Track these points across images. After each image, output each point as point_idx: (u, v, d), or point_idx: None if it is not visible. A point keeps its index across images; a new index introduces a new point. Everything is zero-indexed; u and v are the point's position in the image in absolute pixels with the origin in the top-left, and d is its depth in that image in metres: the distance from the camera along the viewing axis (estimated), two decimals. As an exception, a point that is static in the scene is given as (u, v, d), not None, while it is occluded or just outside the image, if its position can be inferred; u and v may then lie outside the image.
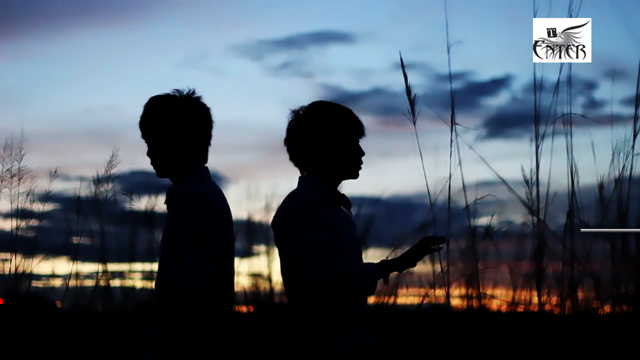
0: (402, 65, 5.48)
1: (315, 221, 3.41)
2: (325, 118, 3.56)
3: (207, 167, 3.71)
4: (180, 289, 3.40)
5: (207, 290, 3.44)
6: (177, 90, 3.69)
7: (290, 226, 3.44)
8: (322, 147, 3.54)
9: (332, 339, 3.40)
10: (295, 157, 3.62)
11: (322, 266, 3.37)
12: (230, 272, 3.67)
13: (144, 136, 3.70)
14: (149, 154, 3.70)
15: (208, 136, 3.71)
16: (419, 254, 3.44)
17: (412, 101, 5.52)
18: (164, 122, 3.63)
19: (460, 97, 5.82)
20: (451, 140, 5.68)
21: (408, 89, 5.51)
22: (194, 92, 3.70)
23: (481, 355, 5.57)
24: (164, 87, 3.71)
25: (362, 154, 3.60)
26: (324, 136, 3.54)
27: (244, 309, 6.94)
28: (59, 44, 10.28)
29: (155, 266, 7.00)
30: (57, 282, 7.28)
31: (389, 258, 3.48)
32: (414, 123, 5.52)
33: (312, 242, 3.39)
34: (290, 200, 3.53)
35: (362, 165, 3.62)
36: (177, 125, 3.63)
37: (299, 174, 3.61)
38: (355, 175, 3.62)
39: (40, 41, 10.30)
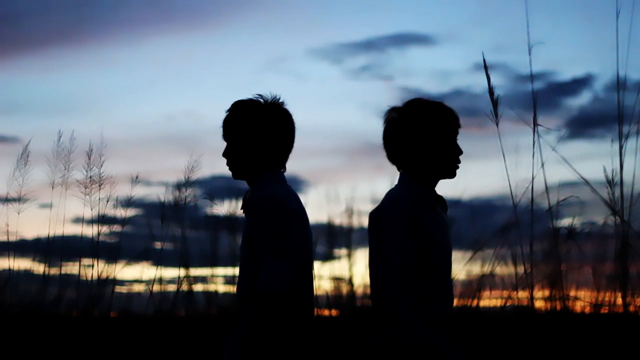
0: (485, 67, 5.58)
1: (400, 230, 3.47)
2: (423, 116, 3.61)
3: (282, 172, 3.81)
4: (260, 294, 3.50)
5: (288, 294, 3.52)
6: (263, 96, 3.81)
7: (376, 228, 3.53)
8: (419, 146, 3.60)
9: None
10: (393, 156, 3.69)
11: (395, 280, 3.43)
12: (310, 276, 3.75)
13: (225, 136, 3.82)
14: (225, 154, 3.82)
15: (289, 146, 3.82)
16: None
17: (494, 102, 5.61)
18: (248, 126, 3.75)
19: (541, 98, 5.91)
20: (533, 142, 5.78)
21: (491, 91, 5.60)
22: (281, 101, 3.82)
23: (565, 357, 5.63)
24: (244, 92, 3.85)
25: (460, 152, 3.66)
26: (422, 135, 3.60)
27: (326, 312, 6.98)
28: (139, 50, 10.52)
29: (237, 270, 7.15)
30: (140, 288, 7.43)
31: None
32: (497, 124, 5.62)
33: (391, 253, 3.46)
34: (385, 200, 3.60)
35: (459, 165, 3.67)
36: (261, 131, 3.74)
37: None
38: (452, 174, 3.68)
39: (120, 48, 10.55)
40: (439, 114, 3.65)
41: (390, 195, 3.62)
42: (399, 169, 3.70)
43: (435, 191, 3.68)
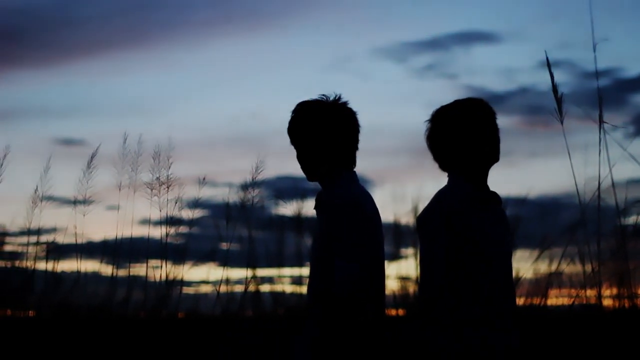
0: (548, 64, 5.64)
1: (435, 233, 3.54)
2: (449, 117, 3.73)
3: (355, 172, 3.88)
4: (333, 296, 3.57)
5: (360, 297, 3.58)
6: (324, 95, 3.88)
7: (418, 228, 3.63)
8: (452, 141, 3.70)
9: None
10: (439, 161, 3.81)
11: (430, 281, 3.52)
12: (381, 277, 3.81)
13: (292, 142, 3.91)
14: (298, 158, 3.91)
15: (355, 140, 3.89)
16: None
17: (558, 100, 5.66)
18: (312, 128, 3.84)
19: (607, 94, 5.92)
20: (600, 139, 5.81)
21: (555, 88, 5.65)
22: (340, 97, 3.89)
23: (634, 355, 5.63)
24: (309, 92, 3.94)
25: (492, 136, 3.73)
26: (453, 131, 3.70)
27: (393, 312, 7.01)
28: (204, 52, 10.63)
29: (304, 271, 7.17)
30: (208, 289, 7.45)
31: None
32: (562, 122, 5.67)
33: (426, 254, 3.55)
34: (431, 199, 3.67)
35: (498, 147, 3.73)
36: (324, 130, 3.82)
37: (444, 175, 3.78)
38: (495, 158, 3.72)
39: (185, 51, 10.65)
40: (460, 109, 3.74)
41: (433, 197, 3.70)
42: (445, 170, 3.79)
43: (487, 187, 3.74)
